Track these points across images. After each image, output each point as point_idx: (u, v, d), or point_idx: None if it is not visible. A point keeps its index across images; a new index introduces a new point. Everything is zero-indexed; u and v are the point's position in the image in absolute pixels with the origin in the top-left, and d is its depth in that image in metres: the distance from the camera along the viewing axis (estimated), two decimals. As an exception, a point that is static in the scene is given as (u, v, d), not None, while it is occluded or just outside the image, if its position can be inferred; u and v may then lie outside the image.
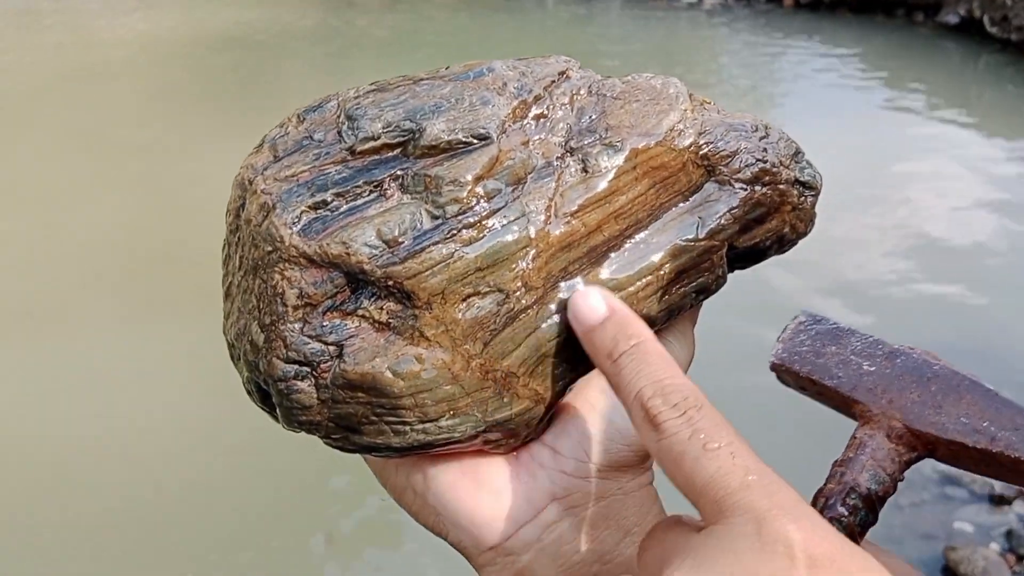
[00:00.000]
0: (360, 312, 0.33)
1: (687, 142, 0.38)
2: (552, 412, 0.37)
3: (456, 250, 0.33)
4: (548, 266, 0.35)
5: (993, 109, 4.64)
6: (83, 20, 6.32)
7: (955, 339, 2.52)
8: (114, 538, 1.86)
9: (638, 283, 0.36)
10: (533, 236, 0.34)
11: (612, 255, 0.36)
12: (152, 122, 4.24)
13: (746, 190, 0.38)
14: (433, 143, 0.34)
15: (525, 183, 0.35)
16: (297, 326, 0.33)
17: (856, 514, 0.31)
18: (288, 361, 0.33)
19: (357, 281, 0.33)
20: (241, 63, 5.40)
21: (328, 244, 0.33)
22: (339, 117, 0.36)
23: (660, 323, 0.38)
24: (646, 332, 0.33)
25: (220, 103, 4.53)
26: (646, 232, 0.37)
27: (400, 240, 0.33)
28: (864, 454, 0.31)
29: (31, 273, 2.87)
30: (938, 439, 0.31)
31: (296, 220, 0.33)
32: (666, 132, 0.37)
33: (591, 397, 0.38)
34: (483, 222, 0.34)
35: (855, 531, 0.31)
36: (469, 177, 0.34)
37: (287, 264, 0.33)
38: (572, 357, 0.36)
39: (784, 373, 0.34)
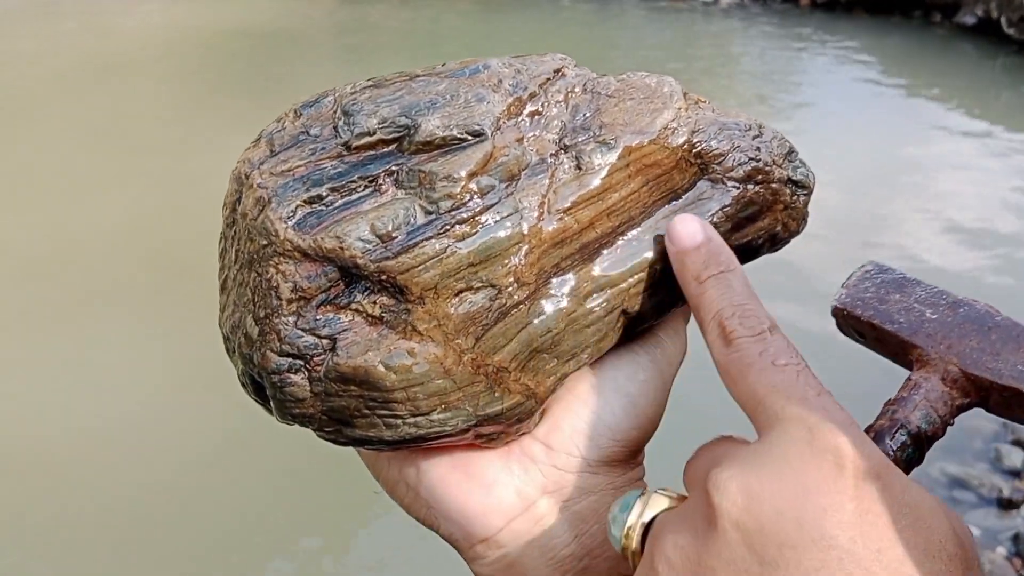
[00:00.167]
0: (353, 306, 0.34)
1: (680, 140, 0.38)
2: (544, 407, 0.38)
3: (449, 245, 0.33)
4: (540, 262, 0.35)
5: (1011, 110, 4.61)
6: (101, 12, 6.35)
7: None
8: (115, 536, 1.87)
9: (630, 279, 0.37)
10: (526, 232, 0.34)
11: (605, 251, 0.36)
12: (167, 115, 4.27)
13: (739, 188, 0.39)
14: (428, 139, 0.35)
15: (519, 179, 0.35)
16: (291, 319, 0.33)
17: (904, 450, 0.31)
18: (282, 354, 0.34)
19: (351, 275, 0.34)
20: (256, 58, 5.42)
21: (322, 238, 0.33)
22: (335, 113, 0.36)
23: (652, 319, 0.38)
24: (735, 263, 0.35)
25: (235, 97, 4.55)
26: (639, 229, 0.37)
27: (394, 235, 0.33)
28: (918, 394, 0.32)
29: (43, 267, 2.89)
30: (992, 384, 0.31)
31: (291, 214, 0.34)
32: (660, 130, 0.37)
33: (583, 393, 0.38)
34: (476, 218, 0.34)
35: (901, 466, 0.31)
36: (463, 173, 0.34)
37: (282, 258, 0.33)
38: (564, 353, 0.36)
39: (845, 318, 0.35)
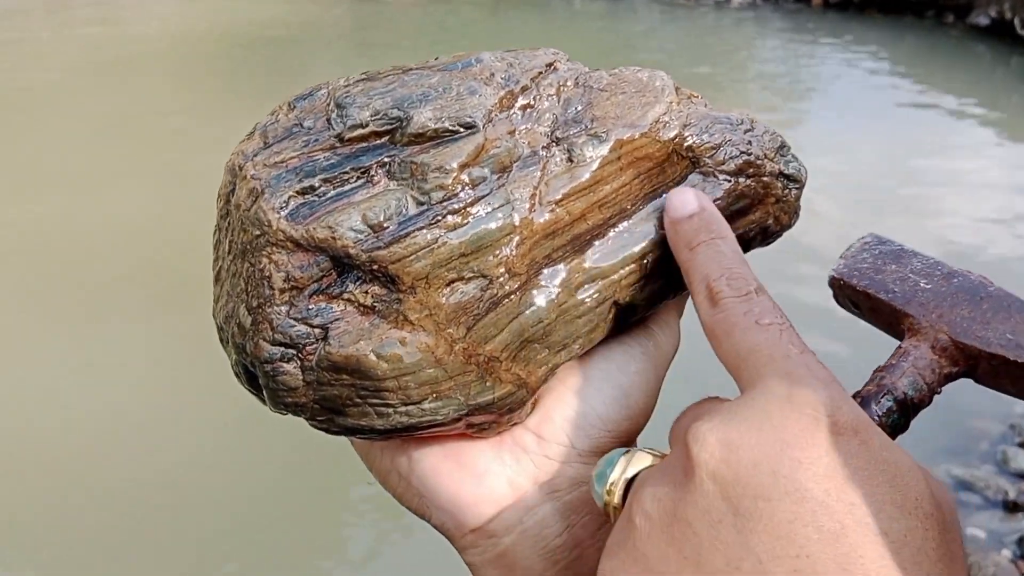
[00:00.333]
0: (345, 296, 0.34)
1: (672, 134, 0.38)
2: (535, 397, 0.38)
3: (440, 235, 0.34)
4: (532, 253, 0.35)
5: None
6: (114, 10, 6.39)
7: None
8: (114, 535, 1.87)
9: (621, 271, 0.37)
10: (517, 223, 0.35)
11: (596, 243, 0.37)
12: (177, 111, 4.29)
13: (730, 182, 0.39)
14: (420, 131, 0.35)
15: (510, 171, 0.35)
16: (283, 309, 0.34)
17: (889, 416, 0.31)
18: (274, 343, 0.34)
19: (343, 265, 0.34)
20: (267, 56, 5.44)
21: (314, 228, 0.33)
22: (329, 105, 0.37)
23: (644, 311, 0.39)
24: (727, 232, 0.36)
25: (246, 94, 4.57)
26: (630, 221, 0.37)
27: (385, 225, 0.34)
28: (907, 361, 0.32)
29: (49, 260, 2.90)
30: (980, 352, 0.31)
31: (284, 205, 0.34)
32: (651, 123, 0.38)
33: (575, 383, 0.38)
34: (468, 209, 0.34)
35: (885, 431, 0.31)
36: (455, 164, 0.34)
37: (274, 248, 0.34)
38: (556, 343, 0.36)
39: (841, 288, 0.35)
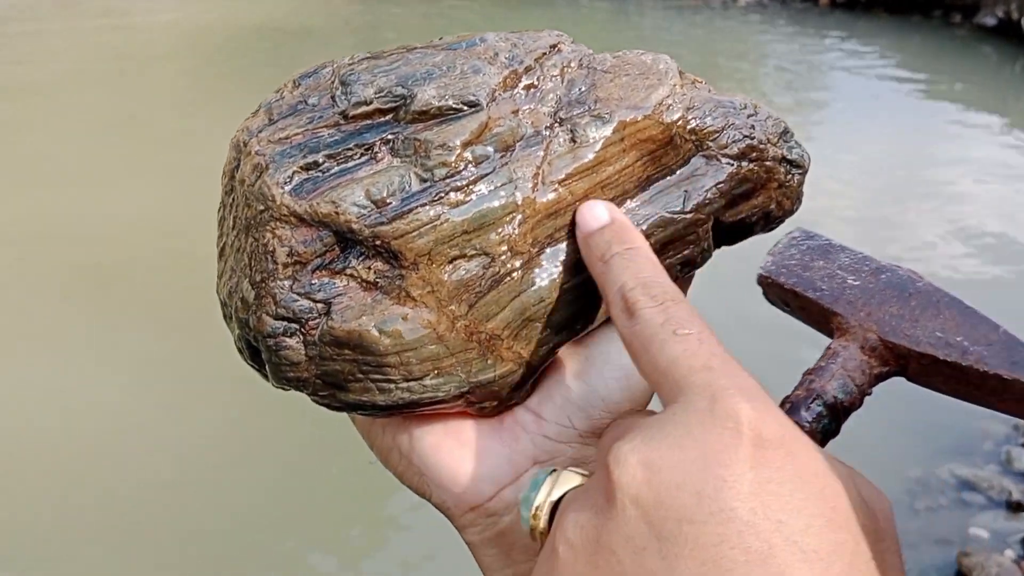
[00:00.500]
0: (348, 271, 0.34)
1: (675, 116, 0.38)
2: (536, 377, 0.38)
3: (443, 212, 0.34)
4: (534, 232, 0.35)
5: (1029, 112, 4.57)
6: (122, 7, 6.40)
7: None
8: (112, 534, 1.87)
9: None
10: (520, 202, 0.35)
11: None
12: (186, 108, 4.30)
13: (733, 165, 0.39)
14: (424, 108, 0.35)
15: (513, 150, 0.36)
16: (287, 283, 0.34)
17: (819, 421, 0.30)
18: (277, 318, 0.34)
19: (346, 240, 0.34)
20: (274, 53, 5.45)
21: (318, 203, 0.34)
22: (333, 82, 0.37)
23: None
24: (641, 241, 0.35)
25: (254, 91, 4.57)
26: (632, 203, 0.37)
27: (388, 201, 0.34)
28: (836, 363, 0.31)
29: (54, 257, 2.91)
30: (910, 352, 0.31)
31: (288, 180, 0.34)
32: (655, 106, 0.38)
33: (576, 364, 0.38)
34: (470, 186, 0.34)
35: (816, 438, 0.30)
36: (458, 142, 0.35)
37: (278, 223, 0.34)
38: (557, 322, 0.36)
39: (770, 286, 0.34)
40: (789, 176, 0.41)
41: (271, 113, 0.37)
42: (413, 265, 0.34)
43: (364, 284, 0.34)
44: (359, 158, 0.35)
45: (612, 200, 0.37)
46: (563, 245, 0.36)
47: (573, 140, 0.36)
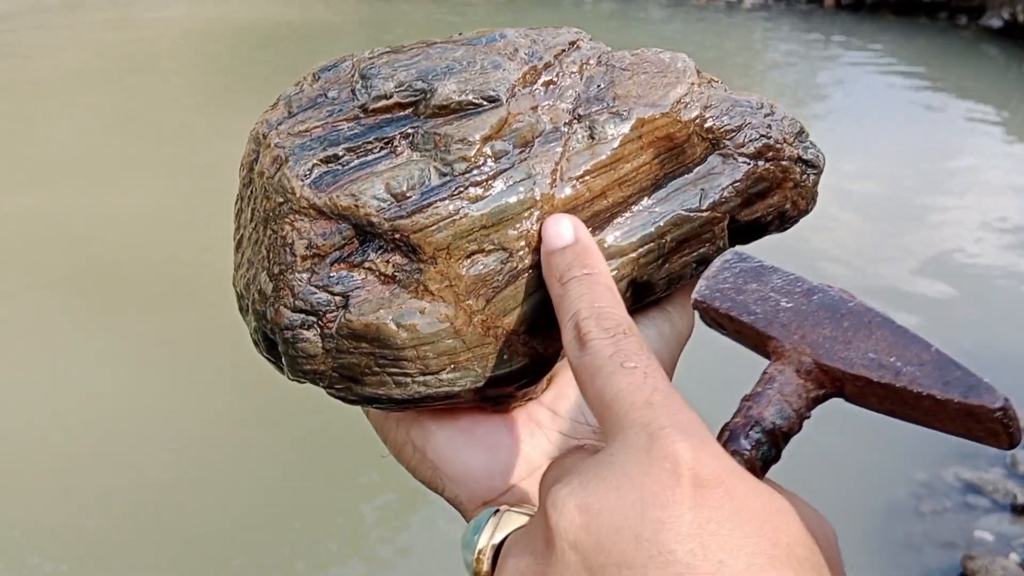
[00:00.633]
0: (367, 264, 0.34)
1: (693, 114, 0.38)
2: (552, 373, 0.38)
3: (462, 207, 0.34)
4: None
5: (1035, 115, 4.56)
6: (127, 6, 6.41)
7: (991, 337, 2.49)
8: (115, 531, 1.87)
9: (640, 249, 0.37)
10: (538, 198, 0.35)
11: (616, 221, 0.37)
12: (191, 107, 4.30)
13: (749, 164, 0.39)
14: (444, 103, 0.35)
15: (532, 146, 0.36)
16: (305, 276, 0.34)
17: (758, 448, 0.30)
18: (295, 310, 0.34)
19: (365, 234, 0.34)
20: (280, 52, 5.46)
21: (338, 196, 0.34)
22: (353, 76, 0.37)
23: (661, 291, 0.39)
24: (601, 266, 0.34)
25: (259, 91, 4.57)
26: (649, 200, 0.37)
27: (408, 195, 0.34)
28: (772, 388, 0.31)
29: (57, 254, 2.91)
30: (845, 374, 0.30)
31: (307, 173, 0.34)
32: (672, 104, 0.38)
33: None
34: (490, 181, 0.35)
35: (756, 466, 0.30)
36: (477, 137, 0.35)
37: (297, 215, 0.34)
38: None
39: (705, 311, 0.34)
40: (804, 176, 0.41)
41: (291, 106, 0.37)
42: (431, 259, 0.34)
43: (382, 277, 0.34)
44: (379, 152, 0.35)
45: (629, 197, 0.37)
46: None
47: (592, 137, 0.36)
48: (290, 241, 0.34)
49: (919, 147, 4.00)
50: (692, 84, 0.39)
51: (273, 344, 0.36)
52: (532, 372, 0.37)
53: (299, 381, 0.36)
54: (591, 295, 0.33)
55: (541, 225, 0.35)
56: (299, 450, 2.12)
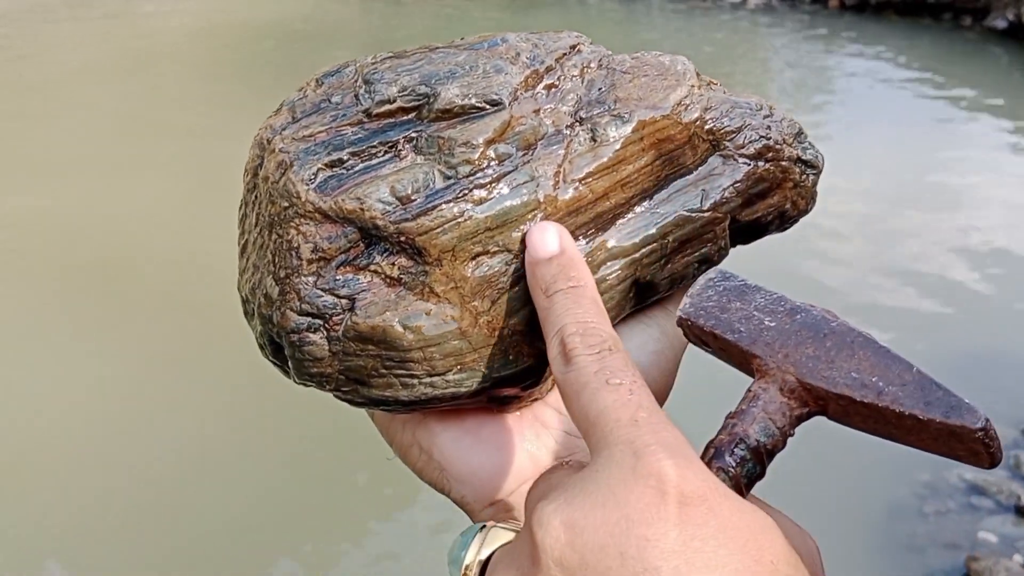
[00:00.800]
0: (372, 267, 0.35)
1: (693, 116, 0.39)
2: None
3: (467, 209, 0.34)
4: None
5: (1041, 115, 4.55)
6: (131, 5, 6.43)
7: (992, 340, 2.49)
8: (116, 531, 1.87)
9: (643, 250, 0.37)
10: (542, 200, 0.35)
11: (618, 222, 0.37)
12: (194, 106, 4.31)
13: (749, 165, 0.40)
14: (447, 107, 0.36)
15: (535, 149, 0.36)
16: (311, 279, 0.34)
17: (743, 465, 0.30)
18: (301, 313, 0.35)
19: (370, 237, 0.35)
20: (284, 51, 5.47)
21: (343, 200, 0.34)
22: (356, 81, 0.37)
23: (664, 291, 0.39)
24: (587, 278, 0.34)
25: (262, 89, 4.58)
26: (651, 201, 0.38)
27: (413, 197, 0.34)
28: (756, 406, 0.31)
29: (58, 252, 2.91)
30: (828, 393, 0.31)
31: (312, 177, 0.35)
32: (673, 106, 0.38)
33: None
34: (493, 184, 0.35)
35: (741, 483, 0.30)
36: (481, 140, 0.35)
37: (303, 219, 0.34)
38: None
39: (690, 328, 0.34)
40: (804, 176, 0.41)
41: (294, 111, 0.37)
42: (437, 261, 0.34)
43: (388, 280, 0.35)
44: (383, 156, 0.35)
45: (631, 199, 0.38)
46: (584, 243, 0.37)
47: (593, 139, 0.37)
48: (296, 245, 0.34)
49: (923, 147, 3.99)
50: (692, 86, 0.40)
51: (279, 348, 0.36)
52: (538, 372, 0.37)
53: (305, 384, 0.36)
54: (577, 309, 0.33)
55: (525, 233, 0.35)
56: (300, 450, 2.12)
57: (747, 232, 0.41)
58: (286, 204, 0.35)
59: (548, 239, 0.35)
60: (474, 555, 0.32)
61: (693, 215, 0.38)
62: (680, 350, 0.40)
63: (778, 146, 0.40)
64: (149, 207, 3.18)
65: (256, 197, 0.37)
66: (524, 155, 0.36)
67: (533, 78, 0.38)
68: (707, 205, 0.38)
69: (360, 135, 0.36)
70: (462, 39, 0.40)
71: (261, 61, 5.27)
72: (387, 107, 0.36)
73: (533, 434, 0.38)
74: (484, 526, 0.33)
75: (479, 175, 0.35)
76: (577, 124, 0.37)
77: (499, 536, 0.32)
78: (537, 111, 0.37)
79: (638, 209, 0.38)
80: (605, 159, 0.37)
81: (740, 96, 0.41)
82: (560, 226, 0.35)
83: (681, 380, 0.41)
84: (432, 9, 6.52)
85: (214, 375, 2.32)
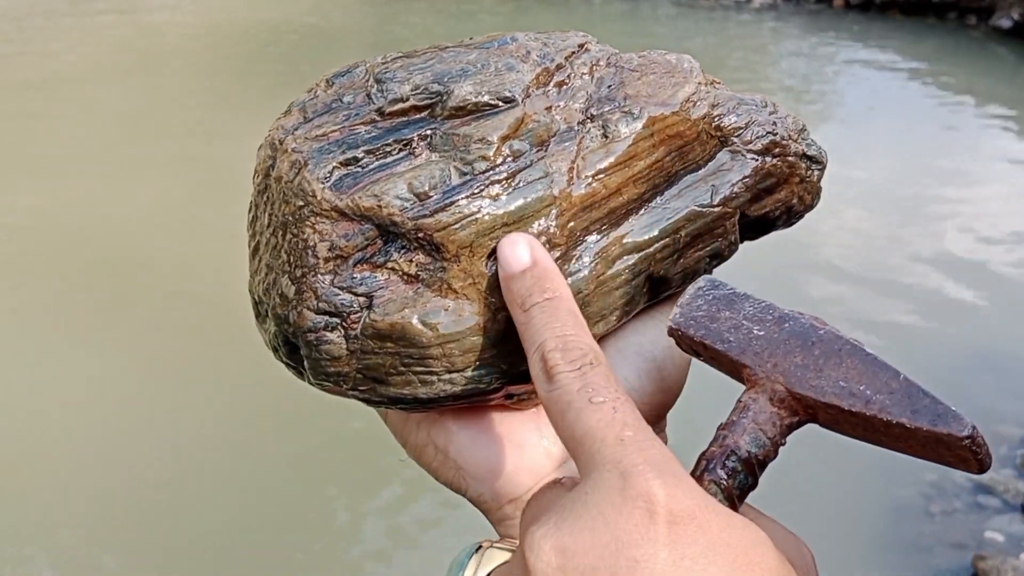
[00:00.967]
0: (390, 264, 0.35)
1: (701, 112, 0.39)
2: None
3: (484, 205, 0.35)
4: (571, 225, 0.36)
5: (1046, 115, 4.54)
6: (134, 6, 6.44)
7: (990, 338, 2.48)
8: (116, 531, 1.87)
9: (656, 245, 0.38)
10: (556, 195, 0.36)
11: (632, 217, 0.38)
12: (196, 105, 4.32)
13: (757, 160, 0.40)
14: (461, 104, 0.36)
15: (548, 145, 0.36)
16: (328, 278, 0.34)
17: (735, 477, 0.30)
18: (319, 312, 0.35)
19: (387, 234, 0.35)
20: (286, 51, 5.47)
21: (360, 197, 0.34)
22: (368, 81, 0.37)
23: (676, 285, 0.40)
24: (563, 289, 0.34)
25: (265, 89, 4.59)
26: (663, 197, 0.38)
27: (430, 194, 0.34)
28: (747, 417, 0.31)
29: (60, 251, 2.92)
30: (817, 402, 0.31)
31: (328, 176, 0.35)
32: (682, 102, 0.39)
33: (610, 355, 0.39)
34: (509, 180, 0.35)
35: (733, 494, 0.30)
36: (495, 137, 0.35)
37: (318, 218, 0.34)
38: (594, 314, 0.37)
39: (680, 338, 0.34)
40: (809, 171, 0.42)
41: (305, 111, 0.37)
42: (455, 257, 0.35)
43: (406, 277, 0.35)
44: (397, 153, 0.35)
45: (644, 194, 0.38)
46: (598, 238, 0.37)
47: (605, 135, 0.37)
48: (312, 244, 0.34)
49: (928, 145, 3.99)
50: (699, 84, 0.40)
51: (294, 349, 0.36)
52: None
53: (321, 385, 0.36)
54: (555, 323, 0.32)
55: (497, 245, 0.35)
56: (300, 449, 2.12)
57: (755, 227, 0.41)
58: (301, 203, 0.35)
59: (519, 252, 0.34)
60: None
61: (704, 210, 0.39)
62: None
63: (784, 142, 0.41)
64: (149, 207, 3.19)
65: (268, 198, 0.37)
66: (538, 151, 0.36)
67: (544, 76, 0.38)
68: (717, 200, 0.39)
69: (374, 133, 0.36)
70: (471, 39, 0.40)
71: (262, 61, 5.28)
72: (400, 105, 0.36)
73: (550, 431, 0.38)
74: (480, 547, 0.33)
75: (495, 171, 0.35)
76: (588, 121, 0.37)
77: (495, 557, 0.33)
78: (549, 108, 0.37)
79: (650, 204, 0.38)
80: (617, 155, 0.37)
81: (744, 94, 0.42)
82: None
83: (688, 378, 0.41)
84: (434, 10, 6.52)
85: (214, 375, 2.32)
